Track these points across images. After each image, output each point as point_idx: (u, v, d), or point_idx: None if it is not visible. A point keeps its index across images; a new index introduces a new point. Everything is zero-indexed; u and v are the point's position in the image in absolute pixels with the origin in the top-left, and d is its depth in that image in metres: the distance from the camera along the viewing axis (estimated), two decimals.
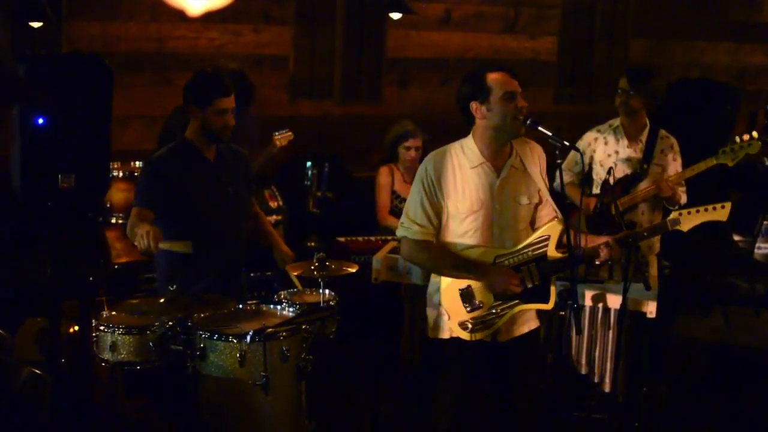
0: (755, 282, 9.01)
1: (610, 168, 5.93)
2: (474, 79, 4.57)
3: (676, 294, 7.39)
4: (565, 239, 4.58)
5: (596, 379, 5.58)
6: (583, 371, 5.59)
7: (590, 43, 10.90)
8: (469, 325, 4.61)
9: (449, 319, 4.63)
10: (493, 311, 4.61)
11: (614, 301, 5.36)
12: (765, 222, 9.41)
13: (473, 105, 4.55)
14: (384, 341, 6.58)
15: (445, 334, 4.69)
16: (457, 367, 4.70)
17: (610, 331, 5.48)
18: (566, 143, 4.51)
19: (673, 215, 5.02)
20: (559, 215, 4.68)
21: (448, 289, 4.64)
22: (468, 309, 4.61)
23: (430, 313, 4.77)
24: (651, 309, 5.35)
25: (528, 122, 4.50)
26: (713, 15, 11.51)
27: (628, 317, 5.32)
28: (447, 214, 4.60)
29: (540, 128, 4.47)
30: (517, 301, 4.61)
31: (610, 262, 5.10)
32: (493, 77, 4.53)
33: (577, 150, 4.71)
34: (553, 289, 4.64)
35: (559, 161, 4.56)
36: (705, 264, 9.02)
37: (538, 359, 5.26)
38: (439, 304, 4.67)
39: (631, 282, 5.15)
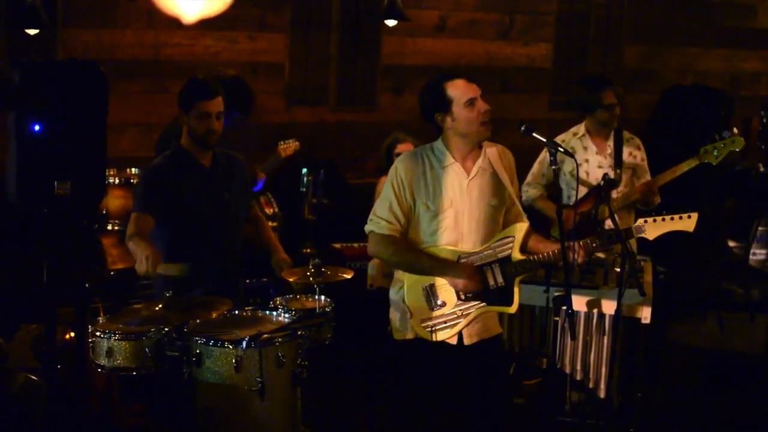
0: (750, 288, 9.02)
1: (605, 174, 5.94)
2: (433, 91, 4.62)
3: (671, 300, 7.41)
4: (531, 241, 4.65)
5: (591, 385, 5.60)
6: (578, 377, 5.61)
7: (585, 50, 10.92)
8: (431, 324, 4.62)
9: (412, 317, 4.65)
10: (457, 311, 4.63)
11: (609, 306, 5.38)
12: (760, 228, 9.43)
13: (438, 117, 4.62)
14: (379, 347, 6.59)
15: (410, 335, 4.70)
16: (423, 367, 4.72)
17: (605, 337, 5.50)
18: (561, 149, 4.52)
19: (639, 222, 4.86)
20: (525, 219, 4.74)
21: (412, 287, 4.67)
22: (431, 307, 4.63)
23: (394, 314, 4.79)
24: (646, 314, 5.38)
25: (522, 129, 4.52)
26: (707, 21, 11.54)
27: (622, 323, 5.35)
28: (417, 213, 4.65)
29: (534, 134, 4.49)
30: (481, 303, 4.63)
31: (578, 266, 5.10)
32: (452, 86, 4.58)
33: (572, 156, 4.73)
34: (516, 292, 4.65)
35: (555, 167, 4.57)
36: (700, 270, 9.05)
37: (504, 364, 5.25)
38: (403, 302, 4.69)
39: (626, 288, 5.17)
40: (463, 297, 4.62)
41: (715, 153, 5.93)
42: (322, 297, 5.05)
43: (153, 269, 4.58)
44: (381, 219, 4.68)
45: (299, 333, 4.59)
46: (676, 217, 4.87)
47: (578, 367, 5.59)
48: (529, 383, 6.36)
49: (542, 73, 10.46)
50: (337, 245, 7.30)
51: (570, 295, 4.54)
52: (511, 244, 4.64)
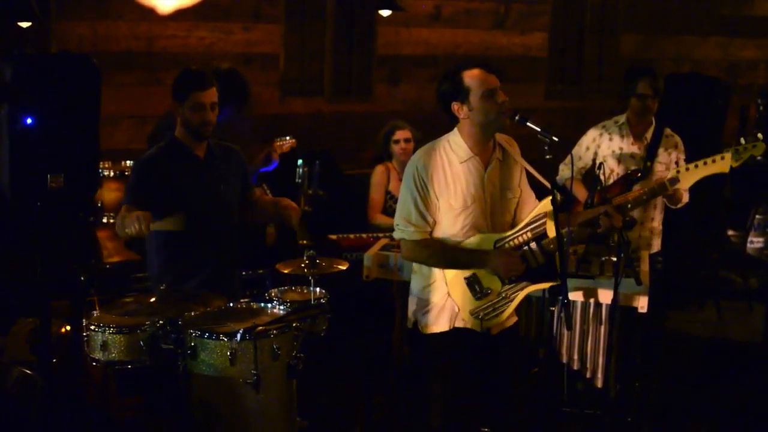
0: (748, 276, 9.02)
1: (601, 163, 5.94)
2: (451, 79, 4.55)
3: (669, 288, 7.40)
4: (561, 218, 4.53)
5: (588, 375, 5.59)
6: (576, 366, 5.60)
7: (581, 39, 10.91)
8: (481, 313, 4.60)
9: (459, 310, 4.63)
10: (503, 295, 4.62)
11: (605, 296, 5.36)
12: (757, 216, 9.43)
13: (455, 106, 4.55)
14: (375, 338, 6.59)
15: (443, 327, 4.68)
16: (452, 359, 4.70)
17: (602, 326, 5.49)
18: (555, 138, 4.48)
19: (672, 174, 4.88)
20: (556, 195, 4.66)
21: (454, 280, 4.64)
22: (477, 297, 4.62)
23: (421, 311, 4.75)
24: (642, 304, 5.36)
25: (516, 118, 4.48)
26: (704, 9, 11.53)
27: (619, 312, 5.33)
28: (440, 211, 4.59)
29: (528, 124, 4.45)
30: (525, 283, 4.62)
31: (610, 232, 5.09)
32: (470, 75, 4.51)
33: (566, 146, 4.70)
34: (558, 265, 4.61)
35: (548, 156, 4.54)
36: (698, 258, 9.04)
37: (522, 352, 5.27)
38: (448, 296, 4.66)
39: (622, 277, 5.15)
40: (507, 281, 4.61)
41: (737, 156, 5.96)
42: (317, 288, 5.03)
43: (146, 228, 4.60)
44: (409, 224, 4.61)
45: (294, 325, 4.57)
46: (709, 160, 4.94)
47: (575, 357, 5.57)
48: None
49: (538, 62, 10.45)
50: (333, 236, 7.27)
51: (566, 285, 4.51)
52: (544, 221, 4.61)
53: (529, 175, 4.83)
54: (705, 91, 9.78)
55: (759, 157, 6.04)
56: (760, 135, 5.99)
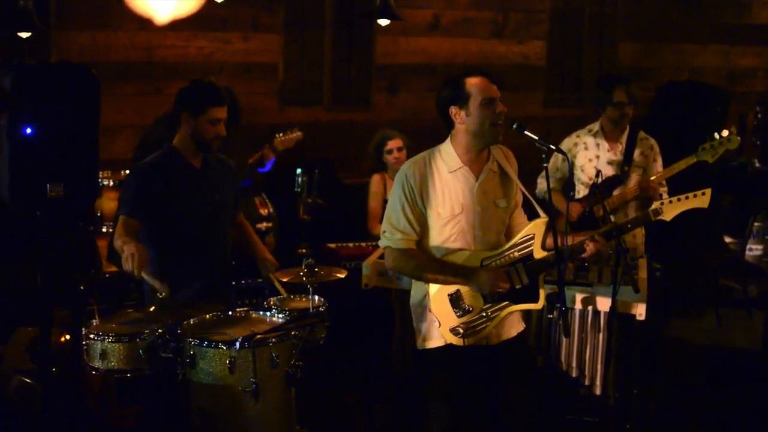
0: (747, 284, 9.02)
1: (598, 171, 5.96)
2: (453, 83, 4.55)
3: (668, 296, 7.41)
4: (550, 237, 4.55)
5: (587, 382, 5.60)
6: (574, 374, 5.61)
7: (579, 47, 10.93)
8: (461, 330, 4.59)
9: (440, 326, 4.61)
10: (484, 314, 4.59)
11: (604, 303, 5.38)
12: (756, 224, 9.43)
13: (452, 110, 4.54)
14: (374, 347, 6.59)
15: (438, 342, 4.65)
16: (450, 374, 4.66)
17: (600, 334, 5.50)
18: (552, 147, 4.50)
19: (655, 205, 5.04)
20: (542, 214, 4.66)
21: (437, 295, 4.61)
22: (458, 314, 4.58)
23: (419, 323, 4.73)
24: (640, 311, 5.37)
25: (514, 126, 4.49)
26: (703, 17, 11.54)
27: (617, 320, 5.35)
28: (428, 220, 4.58)
29: (526, 132, 4.46)
30: (506, 303, 4.59)
31: (596, 259, 5.10)
32: (472, 82, 4.51)
33: (564, 154, 4.71)
34: (541, 289, 4.63)
35: (545, 165, 4.55)
36: (697, 266, 9.05)
37: (529, 361, 5.27)
38: (429, 311, 4.64)
39: (620, 285, 5.17)
40: (489, 300, 4.60)
41: (712, 152, 6.02)
42: (316, 297, 5.05)
43: (138, 272, 4.61)
44: (396, 231, 4.58)
45: (293, 333, 4.58)
46: (690, 195, 5.03)
47: (574, 365, 5.58)
48: None
49: (537, 70, 10.46)
50: (332, 245, 7.29)
51: (563, 293, 4.52)
52: (532, 242, 4.60)
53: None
54: (704, 99, 9.82)
55: (755, 162, 6.10)
56: (733, 129, 6.07)
